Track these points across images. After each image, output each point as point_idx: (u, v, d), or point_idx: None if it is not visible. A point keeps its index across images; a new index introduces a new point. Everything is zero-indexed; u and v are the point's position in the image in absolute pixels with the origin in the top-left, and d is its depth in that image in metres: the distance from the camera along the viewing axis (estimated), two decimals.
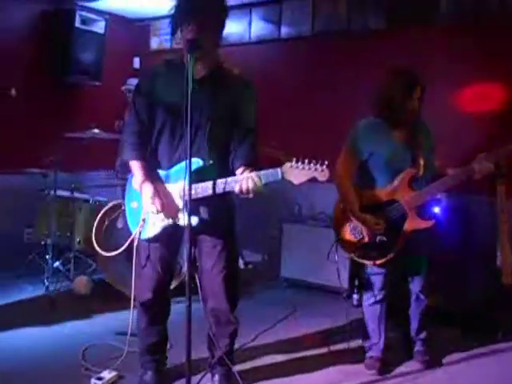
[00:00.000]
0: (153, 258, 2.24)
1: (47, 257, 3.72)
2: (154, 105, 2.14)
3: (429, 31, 3.95)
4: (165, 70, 2.18)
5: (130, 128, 2.21)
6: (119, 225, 2.28)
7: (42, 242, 3.83)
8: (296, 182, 1.85)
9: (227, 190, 2.00)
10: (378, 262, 2.59)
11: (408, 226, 2.53)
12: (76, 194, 3.91)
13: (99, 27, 4.85)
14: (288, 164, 1.85)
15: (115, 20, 5.17)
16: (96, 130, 3.90)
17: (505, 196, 2.95)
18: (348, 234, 2.64)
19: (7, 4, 4.50)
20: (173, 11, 2.03)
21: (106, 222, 3.29)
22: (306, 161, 1.83)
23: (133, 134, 2.19)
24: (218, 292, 2.23)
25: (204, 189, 2.02)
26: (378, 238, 2.56)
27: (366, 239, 2.58)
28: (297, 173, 1.83)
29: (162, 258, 2.24)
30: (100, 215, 2.37)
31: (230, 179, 1.99)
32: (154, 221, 2.17)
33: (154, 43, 5.58)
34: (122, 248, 2.26)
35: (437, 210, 3.40)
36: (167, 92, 2.10)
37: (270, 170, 1.89)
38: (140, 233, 2.19)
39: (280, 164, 1.89)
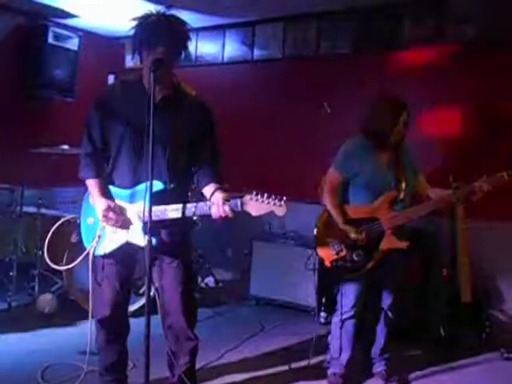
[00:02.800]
0: (109, 275, 2.23)
1: (11, 273, 3.64)
2: (110, 125, 2.15)
3: (392, 55, 4.14)
4: (120, 91, 2.20)
5: (84, 149, 2.24)
6: (73, 239, 2.28)
7: (7, 259, 3.76)
8: (254, 213, 1.89)
9: (198, 214, 2.04)
10: (350, 275, 2.65)
11: (384, 244, 2.59)
12: (43, 210, 3.85)
13: (72, 44, 4.86)
14: (248, 196, 1.88)
15: (90, 37, 5.19)
16: (65, 146, 3.88)
17: (464, 217, 3.06)
18: (327, 245, 2.69)
19: None
20: (136, 31, 2.06)
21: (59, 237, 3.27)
22: (266, 195, 1.87)
23: (86, 155, 2.23)
24: (175, 308, 2.23)
25: (163, 212, 2.04)
26: (355, 252, 2.61)
27: (344, 253, 2.63)
28: (256, 205, 1.87)
29: (119, 275, 2.23)
30: (53, 229, 2.37)
31: (201, 203, 2.02)
32: (110, 237, 2.17)
33: (129, 61, 5.63)
34: (74, 263, 2.29)
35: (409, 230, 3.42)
36: (124, 112, 2.12)
37: (231, 200, 1.94)
38: (95, 249, 2.19)
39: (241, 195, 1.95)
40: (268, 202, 1.86)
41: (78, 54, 4.93)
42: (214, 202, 1.98)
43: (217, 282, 4.56)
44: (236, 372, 2.84)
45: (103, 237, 2.19)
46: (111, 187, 2.21)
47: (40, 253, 3.73)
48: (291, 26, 4.59)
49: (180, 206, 2.04)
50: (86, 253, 2.22)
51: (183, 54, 2.11)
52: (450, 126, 3.89)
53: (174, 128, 2.11)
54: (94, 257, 2.21)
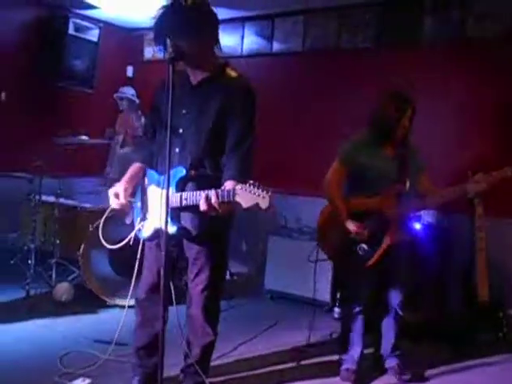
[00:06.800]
0: (148, 259, 2.26)
1: (29, 262, 3.71)
2: (161, 111, 2.12)
3: (414, 51, 4.07)
4: (175, 77, 2.13)
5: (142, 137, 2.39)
6: (127, 221, 2.34)
7: (26, 247, 3.82)
8: (244, 205, 1.78)
9: (189, 203, 1.97)
10: (356, 269, 2.65)
11: (389, 237, 2.59)
12: (61, 200, 3.90)
13: (93, 35, 4.91)
14: (238, 186, 1.79)
15: (109, 28, 5.23)
16: (84, 137, 3.92)
17: (482, 215, 3.01)
18: (331, 239, 2.71)
19: (3, 8, 4.54)
20: (155, 22, 2.02)
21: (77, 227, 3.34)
22: (257, 185, 1.77)
23: (141, 142, 2.38)
24: (197, 302, 2.23)
25: (178, 199, 2.01)
26: (360, 247, 2.61)
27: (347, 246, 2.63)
28: (246, 196, 1.77)
29: (158, 260, 2.15)
30: (104, 217, 2.45)
31: (195, 193, 1.95)
32: (149, 222, 2.19)
33: (148, 53, 5.64)
34: (124, 241, 2.27)
35: (417, 226, 3.45)
36: (164, 102, 2.06)
37: (226, 190, 1.85)
38: (139, 231, 2.23)
39: None
40: (254, 193, 1.76)
41: (98, 45, 4.97)
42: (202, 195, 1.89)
43: (231, 274, 4.58)
44: (249, 365, 2.84)
45: (146, 221, 2.21)
46: (151, 171, 2.23)
47: (58, 241, 3.79)
48: (311, 20, 4.55)
49: (190, 193, 1.98)
50: (130, 235, 2.25)
51: (215, 38, 2.05)
52: (470, 122, 3.83)
53: (204, 111, 2.07)
54: (136, 239, 2.24)
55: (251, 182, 1.77)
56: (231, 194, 1.81)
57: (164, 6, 2.02)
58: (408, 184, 2.62)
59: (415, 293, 2.86)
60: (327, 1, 4.28)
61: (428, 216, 3.56)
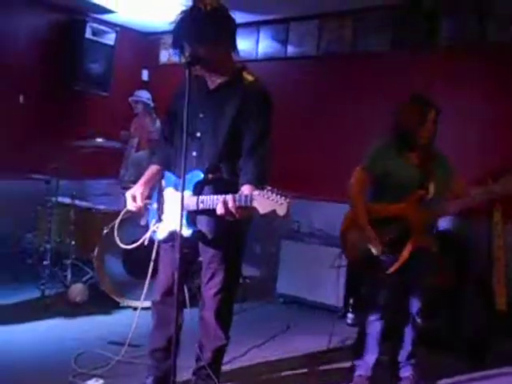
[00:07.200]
0: (164, 261, 2.27)
1: (45, 262, 3.75)
2: (178, 114, 2.13)
3: (430, 54, 4.01)
4: (192, 81, 2.14)
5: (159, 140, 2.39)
6: (142, 223, 2.35)
7: (41, 248, 3.87)
8: (261, 211, 1.75)
9: (206, 207, 1.97)
10: (377, 275, 2.62)
11: (411, 244, 2.55)
12: (77, 202, 3.94)
13: (109, 39, 4.96)
14: (256, 191, 1.77)
15: (126, 32, 5.28)
16: (100, 140, 3.96)
17: (501, 221, 2.97)
18: (353, 244, 2.69)
19: (23, 13, 4.62)
20: (174, 27, 2.04)
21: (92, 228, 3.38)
22: (275, 191, 1.74)
23: (158, 144, 2.39)
24: (209, 305, 2.23)
25: (195, 203, 2.02)
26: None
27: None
28: (263, 202, 1.74)
29: (173, 263, 2.13)
30: (119, 218, 2.46)
31: (213, 197, 1.94)
32: (165, 224, 2.20)
33: (164, 56, 5.68)
34: (139, 242, 2.29)
35: (439, 233, 3.31)
36: (182, 106, 2.06)
37: (243, 195, 1.84)
38: (154, 232, 2.24)
39: None
40: (272, 199, 1.73)
41: (115, 48, 5.02)
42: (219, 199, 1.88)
43: (244, 278, 4.57)
44: (260, 370, 2.83)
45: (161, 223, 2.21)
46: (168, 174, 2.24)
47: (73, 243, 3.83)
48: (326, 24, 4.54)
49: (207, 197, 1.98)
50: (145, 236, 2.26)
51: (233, 42, 2.07)
52: (489, 127, 3.77)
53: (222, 115, 2.08)
54: (150, 241, 2.25)
55: (269, 187, 1.75)
56: (248, 199, 1.80)
57: (183, 11, 2.03)
58: (432, 190, 2.58)
59: (430, 299, 2.81)
60: (342, 4, 4.25)
61: (445, 222, 3.51)
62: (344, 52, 4.46)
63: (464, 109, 3.78)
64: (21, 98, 4.09)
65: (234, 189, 1.94)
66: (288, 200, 1.72)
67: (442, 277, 3.25)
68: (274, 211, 1.73)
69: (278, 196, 1.72)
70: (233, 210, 1.84)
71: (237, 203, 1.84)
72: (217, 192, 1.98)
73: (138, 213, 2.25)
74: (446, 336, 3.25)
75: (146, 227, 2.30)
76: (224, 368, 2.45)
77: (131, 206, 2.21)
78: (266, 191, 1.74)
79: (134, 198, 2.21)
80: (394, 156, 2.60)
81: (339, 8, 4.35)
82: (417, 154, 2.61)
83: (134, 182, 2.32)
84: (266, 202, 1.73)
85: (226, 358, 2.41)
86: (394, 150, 2.61)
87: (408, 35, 4.13)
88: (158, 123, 4.65)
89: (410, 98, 2.64)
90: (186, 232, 2.03)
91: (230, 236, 2.16)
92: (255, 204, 1.76)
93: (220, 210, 1.87)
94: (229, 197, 1.86)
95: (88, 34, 4.74)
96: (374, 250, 2.55)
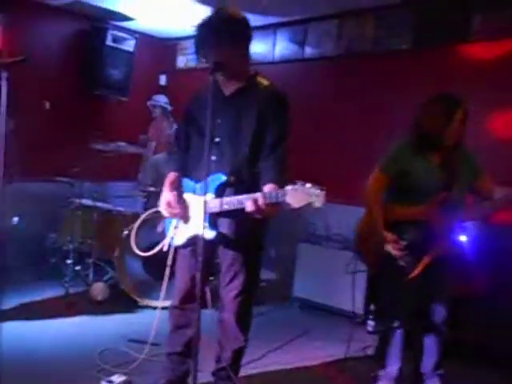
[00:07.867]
0: (182, 266, 2.28)
1: (68, 261, 3.88)
2: (195, 121, 2.22)
3: (457, 51, 3.83)
4: (204, 92, 2.19)
5: (173, 145, 2.42)
6: (159, 229, 2.38)
7: (65, 247, 4.01)
8: (295, 205, 1.75)
9: (230, 208, 1.99)
10: (397, 281, 2.50)
11: (433, 249, 2.43)
12: (98, 204, 4.07)
13: (129, 45, 5.08)
14: (289, 186, 1.77)
15: (144, 39, 5.41)
16: (121, 143, 4.07)
17: None
18: (370, 248, 2.59)
19: (49, 22, 4.80)
20: (196, 32, 2.10)
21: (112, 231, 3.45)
22: (308, 184, 1.75)
23: (174, 151, 2.40)
24: (229, 307, 2.25)
25: (218, 205, 2.05)
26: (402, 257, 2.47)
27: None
28: (297, 195, 1.74)
29: (191, 268, 2.21)
30: (140, 219, 2.49)
31: (240, 197, 1.96)
32: (183, 229, 2.23)
33: (181, 62, 5.78)
34: (156, 249, 2.32)
35: (464, 238, 3.06)
36: (200, 112, 2.16)
37: (274, 191, 1.86)
38: (172, 239, 2.27)
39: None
40: (307, 192, 1.73)
41: (134, 54, 5.14)
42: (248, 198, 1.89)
43: (261, 281, 4.61)
44: (278, 374, 2.81)
45: (179, 228, 2.24)
46: (186, 179, 2.26)
47: (94, 243, 3.95)
48: (346, 22, 4.39)
49: (231, 198, 2.01)
50: (163, 243, 2.29)
51: (249, 49, 2.13)
52: None
53: (241, 120, 2.11)
54: (170, 246, 2.28)
55: (301, 182, 1.76)
56: (280, 194, 1.80)
57: (206, 18, 2.10)
58: (457, 192, 2.44)
59: (460, 308, 2.67)
60: (362, 1, 4.08)
61: (474, 228, 3.19)
62: (365, 51, 4.28)
63: (493, 105, 3.56)
64: (47, 105, 4.23)
65: (254, 190, 1.95)
66: (324, 191, 1.72)
67: (472, 284, 3.09)
68: (309, 204, 1.73)
69: (313, 188, 1.73)
70: (263, 207, 1.84)
71: (267, 200, 1.83)
72: (238, 194, 2.01)
73: (180, 217, 2.22)
74: (477, 347, 3.06)
75: (163, 233, 2.33)
76: (241, 371, 2.44)
77: (168, 212, 2.21)
78: (299, 185, 1.74)
79: (169, 204, 2.20)
80: (414, 157, 2.47)
81: (359, 5, 4.17)
82: (440, 155, 2.46)
83: (152, 185, 2.37)
84: (300, 195, 1.73)
85: (243, 360, 2.39)
86: (415, 151, 2.47)
87: (433, 31, 3.90)
88: (175, 127, 4.75)
89: (436, 96, 2.48)
90: (210, 234, 2.07)
91: (251, 238, 2.19)
92: (288, 199, 1.76)
93: (250, 207, 1.86)
94: (258, 194, 1.86)
95: (109, 41, 4.88)
96: (394, 253, 2.44)
